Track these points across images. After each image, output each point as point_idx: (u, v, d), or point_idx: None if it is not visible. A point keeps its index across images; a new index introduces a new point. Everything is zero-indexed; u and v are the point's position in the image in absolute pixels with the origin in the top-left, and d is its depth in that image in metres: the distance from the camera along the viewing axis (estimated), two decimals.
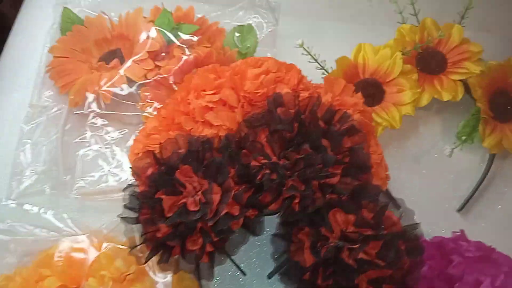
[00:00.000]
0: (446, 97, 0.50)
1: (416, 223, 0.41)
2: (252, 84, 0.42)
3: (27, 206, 0.42)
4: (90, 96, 0.48)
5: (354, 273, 0.37)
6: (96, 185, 0.47)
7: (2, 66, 0.55)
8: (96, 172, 0.47)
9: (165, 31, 0.51)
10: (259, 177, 0.36)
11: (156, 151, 0.39)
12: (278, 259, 0.41)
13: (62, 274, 0.39)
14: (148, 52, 0.49)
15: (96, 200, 0.46)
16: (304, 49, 0.50)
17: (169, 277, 0.40)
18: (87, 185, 0.47)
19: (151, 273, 0.40)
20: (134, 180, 0.39)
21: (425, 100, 0.51)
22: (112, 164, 0.48)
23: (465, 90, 0.51)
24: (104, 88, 0.48)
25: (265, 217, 0.39)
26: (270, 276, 0.45)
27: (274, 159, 0.37)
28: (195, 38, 0.51)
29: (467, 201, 0.48)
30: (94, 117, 0.48)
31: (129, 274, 0.39)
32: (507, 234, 0.47)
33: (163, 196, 0.36)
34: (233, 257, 0.45)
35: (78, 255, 0.40)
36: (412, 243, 0.40)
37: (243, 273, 0.44)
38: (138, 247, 0.37)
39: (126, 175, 0.47)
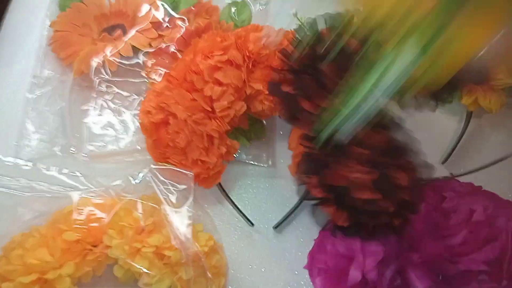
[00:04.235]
0: None
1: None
2: (255, 46, 0.45)
3: (40, 165, 0.43)
4: (96, 64, 0.49)
5: None
6: (104, 149, 0.48)
7: (2, 38, 0.56)
8: (104, 137, 0.49)
9: (166, 4, 0.53)
10: None
11: (171, 108, 0.41)
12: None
13: (80, 229, 0.40)
14: (151, 23, 0.51)
15: (105, 162, 0.48)
16: (298, 19, 0.54)
17: (188, 228, 0.41)
18: (96, 149, 0.48)
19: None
20: None
21: None
22: (120, 129, 0.49)
23: None
24: (110, 56, 0.49)
25: None
26: (275, 226, 0.47)
27: None
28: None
29: (449, 154, 0.52)
30: (100, 83, 0.49)
31: (147, 225, 0.41)
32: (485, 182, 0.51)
33: None
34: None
35: (96, 211, 0.41)
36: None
37: (251, 223, 0.47)
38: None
39: (132, 139, 0.49)
